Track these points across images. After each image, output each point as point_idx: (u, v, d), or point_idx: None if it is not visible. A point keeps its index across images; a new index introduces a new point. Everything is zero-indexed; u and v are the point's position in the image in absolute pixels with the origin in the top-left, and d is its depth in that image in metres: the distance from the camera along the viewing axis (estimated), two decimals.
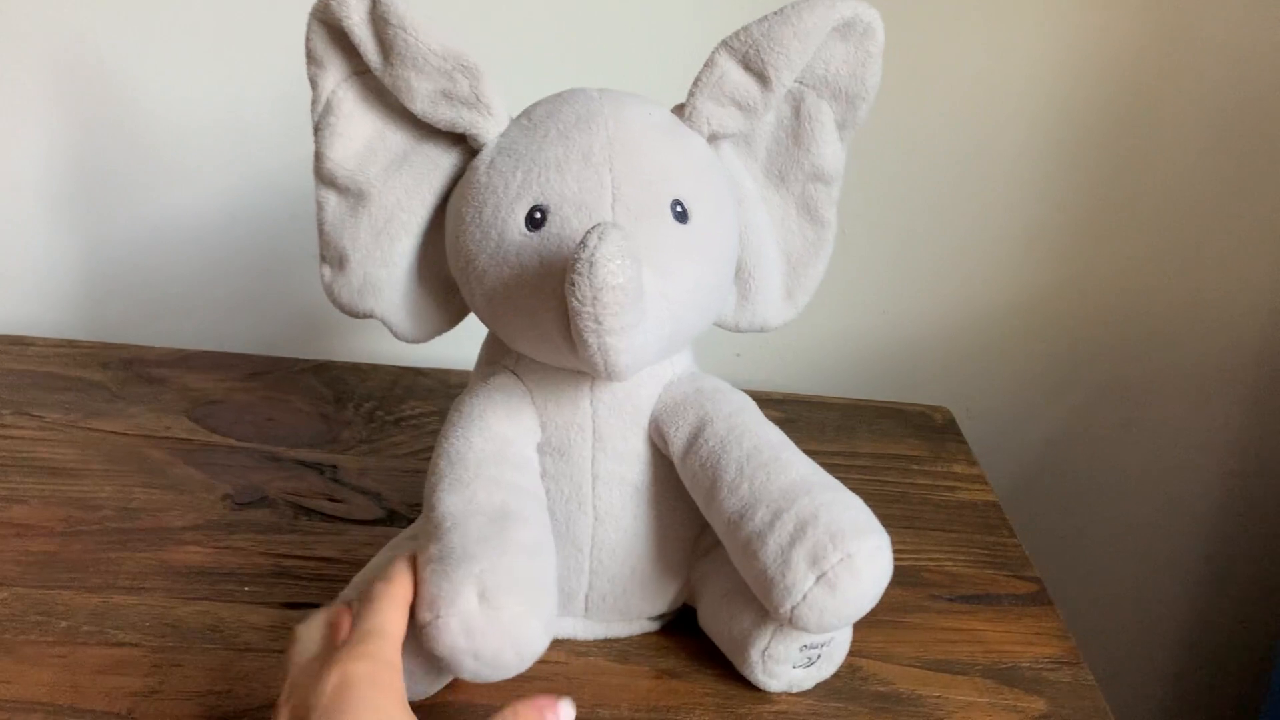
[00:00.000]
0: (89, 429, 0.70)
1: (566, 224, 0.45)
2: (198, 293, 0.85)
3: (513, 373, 0.50)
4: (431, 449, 0.71)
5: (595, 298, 0.39)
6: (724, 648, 0.53)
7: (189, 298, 0.85)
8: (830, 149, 0.52)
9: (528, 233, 0.45)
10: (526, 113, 0.49)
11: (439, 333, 0.53)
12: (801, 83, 0.50)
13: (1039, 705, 0.53)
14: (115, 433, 0.70)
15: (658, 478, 0.52)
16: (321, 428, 0.73)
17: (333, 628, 0.43)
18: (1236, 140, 0.82)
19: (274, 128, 0.79)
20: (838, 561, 0.44)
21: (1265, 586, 0.96)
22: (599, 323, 0.40)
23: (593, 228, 0.40)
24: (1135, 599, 0.98)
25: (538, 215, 0.45)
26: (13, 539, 0.59)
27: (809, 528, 0.45)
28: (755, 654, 0.50)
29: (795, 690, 0.52)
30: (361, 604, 0.42)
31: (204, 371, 0.78)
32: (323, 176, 0.48)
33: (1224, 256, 0.85)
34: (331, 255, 0.50)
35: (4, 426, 0.69)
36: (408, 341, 0.52)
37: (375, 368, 0.81)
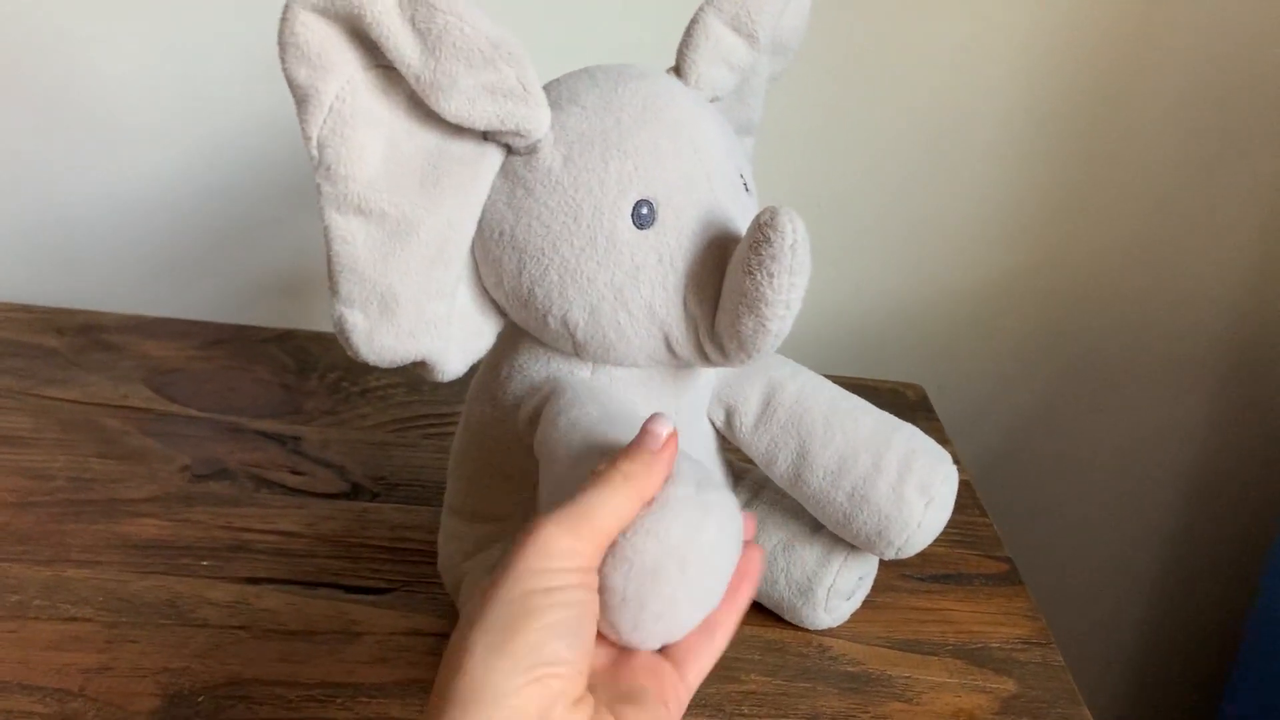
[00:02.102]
0: (42, 397, 0.68)
1: (682, 215, 0.42)
2: (156, 257, 0.83)
3: (594, 382, 0.46)
4: (396, 421, 0.70)
5: (793, 284, 0.38)
6: (774, 599, 0.54)
7: (147, 263, 0.83)
8: (760, 102, 0.53)
9: (638, 230, 0.42)
10: (570, 98, 0.44)
11: (475, 361, 0.47)
12: None
13: (1009, 686, 0.53)
14: (70, 400, 0.68)
15: (713, 456, 0.53)
16: (284, 398, 0.71)
17: None
18: (1211, 126, 0.81)
19: (233, 87, 0.77)
20: (940, 482, 0.49)
21: (1231, 567, 0.97)
22: (789, 309, 0.39)
23: (780, 213, 0.38)
24: (1102, 578, 0.98)
25: (644, 210, 0.42)
26: None
27: (913, 462, 0.49)
28: (822, 592, 0.53)
29: (839, 624, 0.55)
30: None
31: (163, 339, 0.76)
32: (346, 203, 0.39)
33: (1196, 239, 0.85)
34: (368, 297, 0.41)
35: None
36: (445, 380, 0.45)
37: None
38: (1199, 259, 0.86)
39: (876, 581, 0.58)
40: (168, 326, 0.78)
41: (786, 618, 0.55)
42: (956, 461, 0.71)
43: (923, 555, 0.62)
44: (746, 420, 0.52)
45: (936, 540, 0.63)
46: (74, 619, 0.50)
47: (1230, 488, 0.94)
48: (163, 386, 0.70)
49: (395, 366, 0.43)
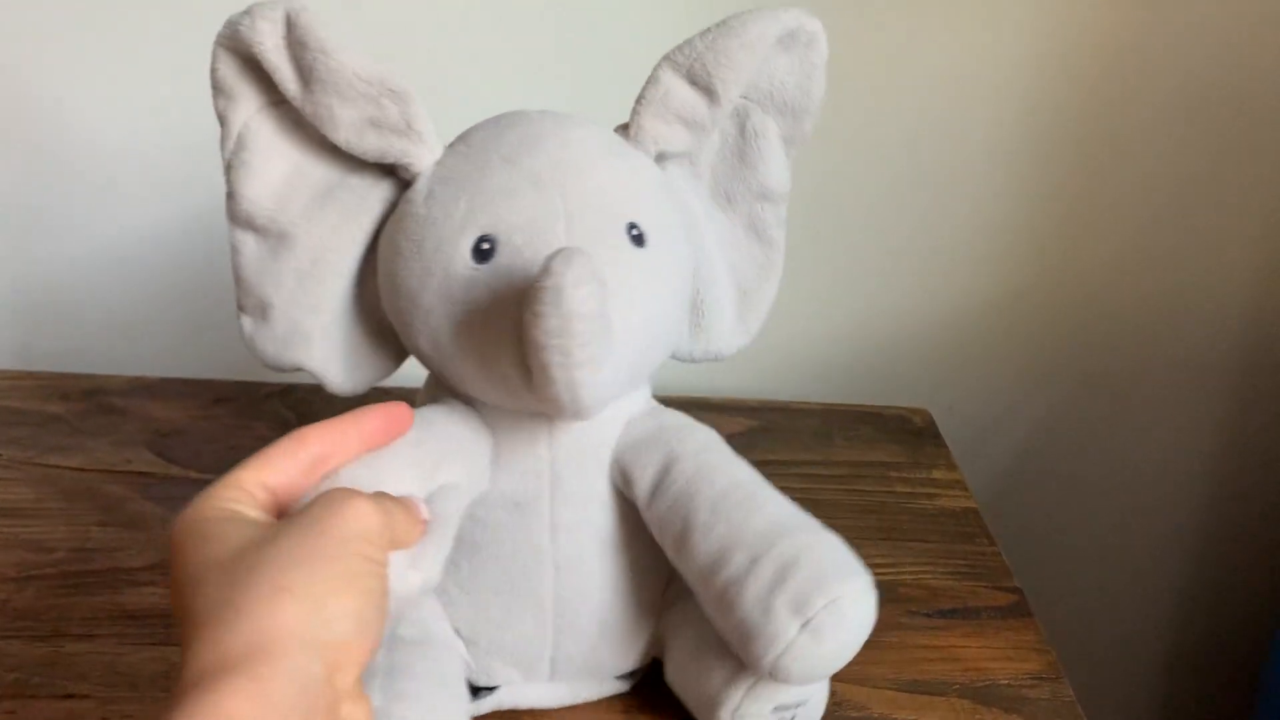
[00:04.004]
0: (46, 465, 0.68)
1: (518, 254, 0.41)
2: (157, 316, 0.83)
3: (471, 407, 0.47)
4: None
5: (563, 329, 0.36)
6: (692, 706, 0.49)
7: (148, 321, 0.83)
8: (777, 166, 0.50)
9: (475, 266, 0.42)
10: (463, 138, 0.46)
11: (376, 381, 0.50)
12: (746, 98, 0.48)
13: None
14: (73, 468, 0.68)
15: (622, 522, 0.48)
16: None
17: None
18: (1212, 132, 0.80)
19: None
20: (822, 608, 0.41)
21: (1253, 589, 0.94)
22: (567, 356, 0.37)
23: (555, 253, 0.37)
24: (1118, 603, 0.96)
25: (485, 246, 0.42)
26: None
27: (791, 572, 0.41)
28: (725, 715, 0.46)
29: None
30: None
31: (167, 399, 0.76)
32: (239, 218, 0.45)
33: (1204, 248, 0.84)
34: (252, 303, 0.46)
35: None
36: (341, 394, 0.49)
37: None
38: (1205, 268, 0.84)
39: (882, 620, 0.55)
40: (171, 387, 0.78)
41: None
42: (963, 490, 0.71)
43: (929, 589, 0.61)
44: (641, 491, 0.46)
45: (944, 572, 0.63)
46: (72, 695, 0.50)
47: (1249, 504, 0.92)
48: (165, 449, 0.71)
49: (283, 370, 0.47)
